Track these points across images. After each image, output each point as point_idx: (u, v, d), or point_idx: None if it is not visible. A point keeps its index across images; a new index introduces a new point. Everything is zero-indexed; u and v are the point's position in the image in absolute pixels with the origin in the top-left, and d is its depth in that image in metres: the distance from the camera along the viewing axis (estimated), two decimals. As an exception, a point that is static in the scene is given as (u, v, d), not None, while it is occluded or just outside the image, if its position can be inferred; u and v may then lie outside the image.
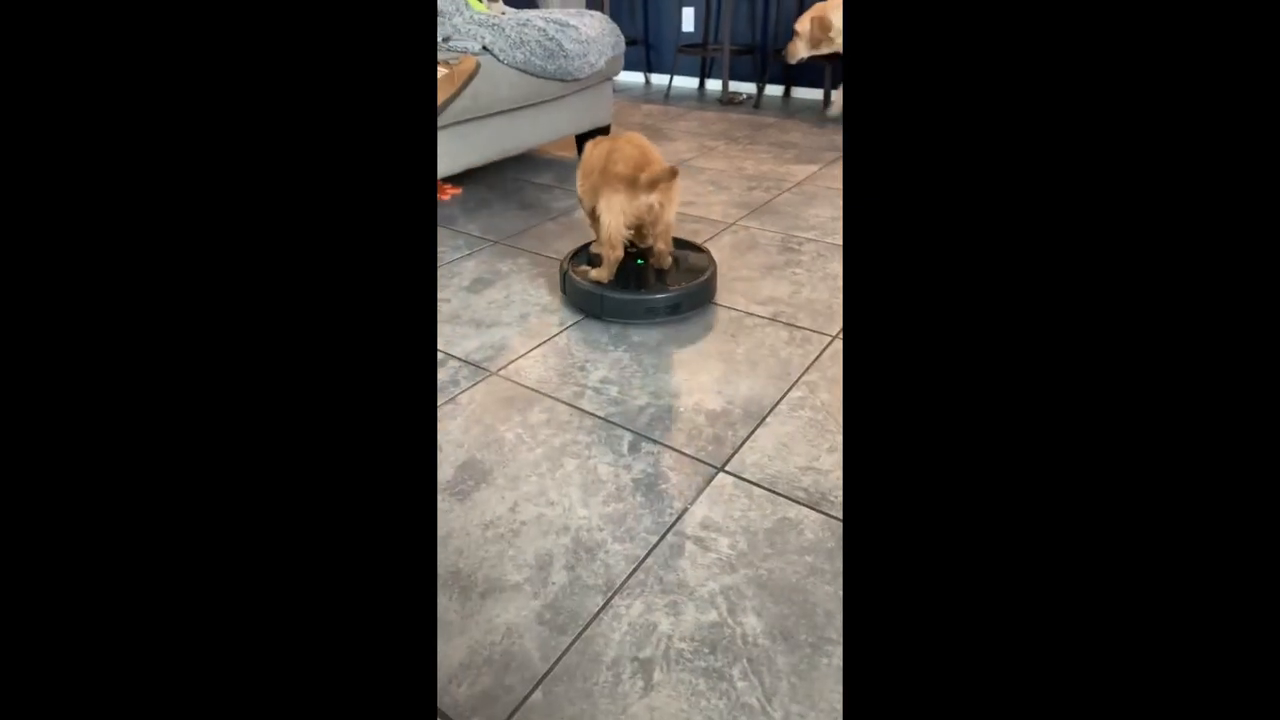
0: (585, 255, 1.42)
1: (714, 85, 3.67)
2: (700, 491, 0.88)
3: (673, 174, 1.23)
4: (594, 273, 1.31)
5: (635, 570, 0.77)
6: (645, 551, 0.79)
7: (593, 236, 1.42)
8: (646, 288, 1.29)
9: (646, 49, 3.83)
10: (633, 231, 1.27)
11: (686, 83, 3.75)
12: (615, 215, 1.23)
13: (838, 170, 2.25)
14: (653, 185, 1.22)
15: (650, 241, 1.33)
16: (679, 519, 0.84)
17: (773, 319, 1.31)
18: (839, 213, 1.87)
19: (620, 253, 1.28)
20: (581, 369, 1.16)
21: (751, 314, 1.34)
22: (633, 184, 1.22)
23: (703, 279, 1.31)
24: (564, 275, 1.36)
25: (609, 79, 2.23)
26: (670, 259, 1.36)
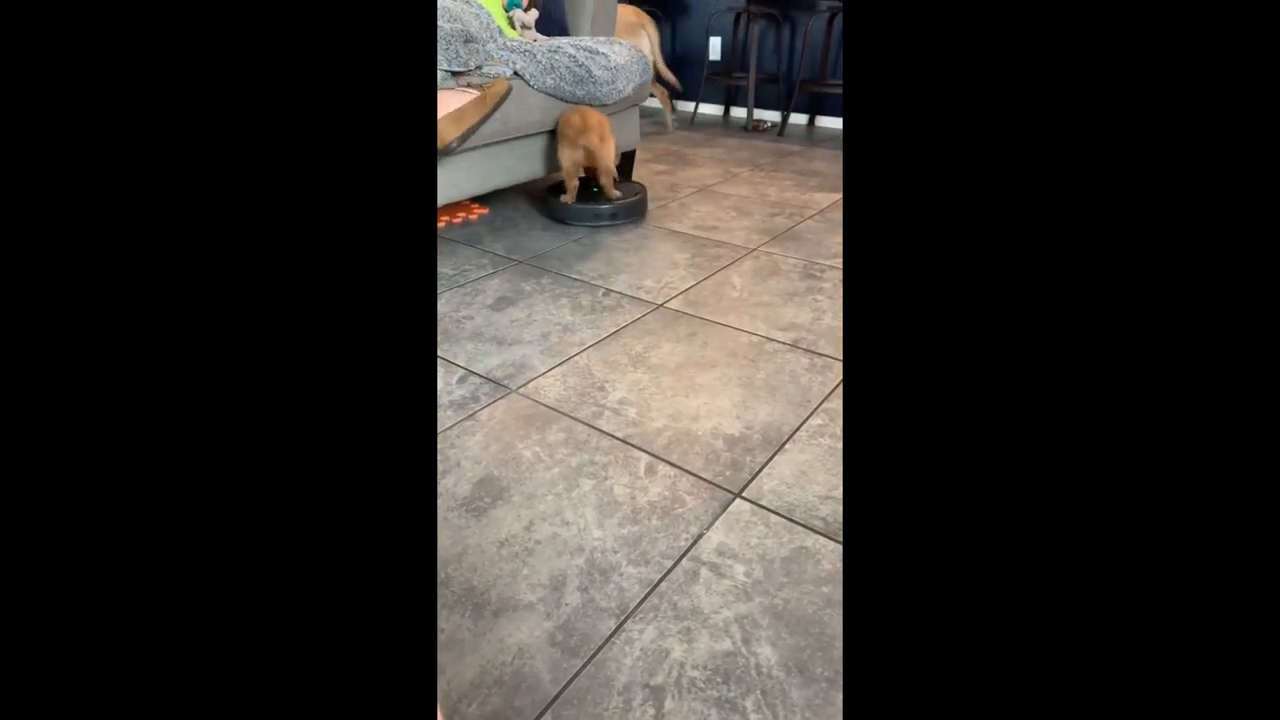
0: (561, 189, 2.08)
1: (739, 112, 3.71)
2: (716, 517, 0.88)
3: (599, 137, 1.91)
4: (563, 197, 2.02)
5: (649, 594, 0.76)
6: (660, 576, 0.78)
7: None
8: (594, 203, 2.00)
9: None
10: (579, 169, 1.97)
11: (712, 109, 3.80)
12: (565, 159, 1.94)
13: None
14: (573, 142, 1.91)
15: (598, 176, 2.01)
16: (694, 544, 0.83)
17: (793, 345, 1.31)
18: (862, 241, 1.87)
19: (575, 182, 1.99)
20: (600, 389, 1.16)
21: (772, 339, 1.33)
22: (573, 140, 1.91)
23: (632, 200, 2.03)
24: (545, 200, 2.10)
25: (636, 105, 2.26)
26: (615, 190, 2.03)
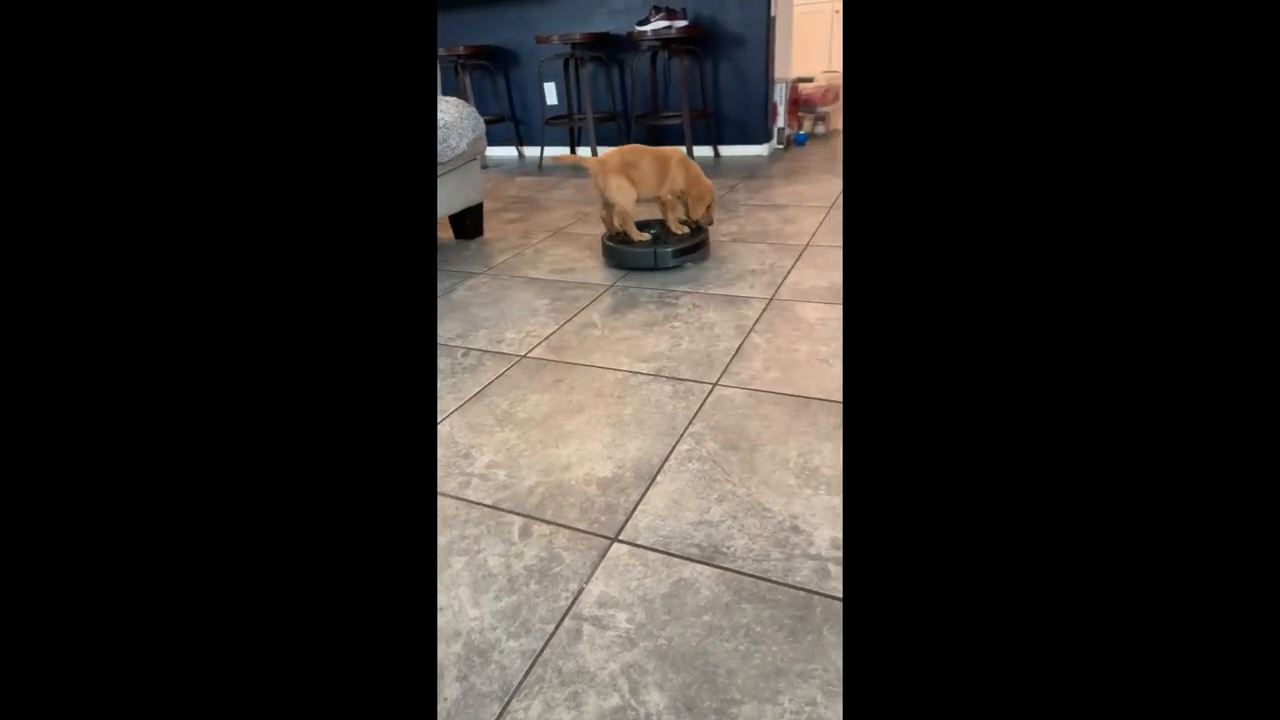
0: (620, 236, 2.01)
1: (584, 152, 3.80)
2: (595, 567, 0.87)
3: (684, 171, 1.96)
4: (637, 237, 1.97)
5: (532, 666, 0.73)
6: (541, 644, 0.76)
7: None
8: (660, 244, 1.95)
9: (515, 124, 3.94)
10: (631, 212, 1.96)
11: (558, 152, 3.87)
12: (624, 197, 1.91)
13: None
14: (649, 183, 1.93)
15: (685, 212, 2.01)
16: (575, 601, 0.81)
17: (656, 375, 1.34)
18: (710, 263, 1.96)
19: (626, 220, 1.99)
20: (466, 456, 1.13)
21: (636, 372, 1.36)
22: (651, 182, 1.93)
23: (695, 241, 1.95)
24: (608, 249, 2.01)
25: (474, 159, 2.26)
26: (683, 229, 2.01)
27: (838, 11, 4.79)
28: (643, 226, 2.04)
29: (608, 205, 1.97)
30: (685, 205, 1.98)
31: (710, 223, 2.02)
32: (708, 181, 1.97)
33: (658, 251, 1.91)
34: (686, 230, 2.00)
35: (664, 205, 1.99)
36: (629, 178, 1.88)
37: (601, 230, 2.14)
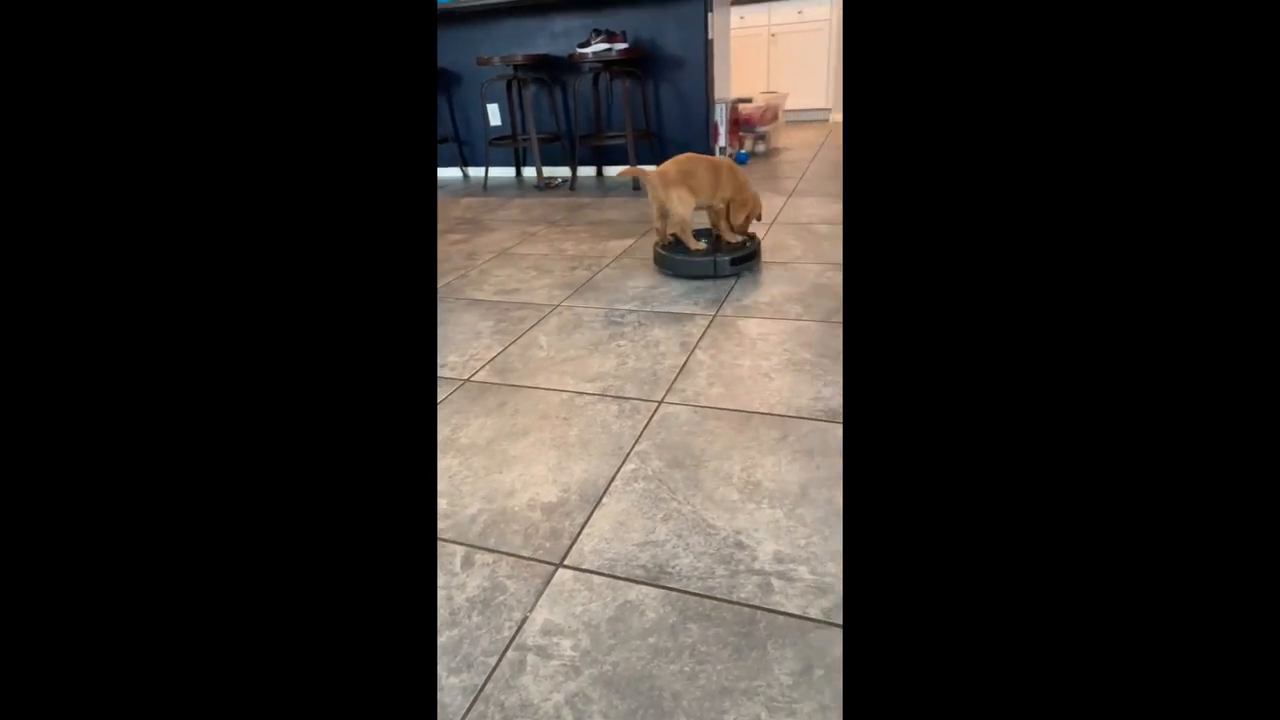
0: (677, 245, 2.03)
1: (531, 172, 3.80)
2: (540, 594, 0.85)
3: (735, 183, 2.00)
4: (695, 245, 1.99)
5: (474, 703, 0.71)
6: (484, 678, 0.74)
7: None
8: (718, 253, 1.96)
9: (460, 144, 3.91)
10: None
11: (503, 173, 3.85)
12: (682, 206, 1.93)
13: (651, 240, 2.39)
14: (705, 191, 1.96)
15: (733, 222, 2.01)
16: (518, 631, 0.80)
17: (602, 395, 1.34)
18: (655, 281, 1.98)
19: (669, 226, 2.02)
20: (407, 487, 1.09)
21: (582, 393, 1.35)
22: (707, 190, 1.96)
23: (747, 250, 1.97)
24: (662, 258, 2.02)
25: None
26: (736, 237, 2.02)
27: (774, 35, 4.95)
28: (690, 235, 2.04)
29: (663, 215, 1.98)
30: (728, 211, 1.99)
31: (745, 230, 2.05)
32: (754, 190, 2.01)
33: (717, 260, 1.92)
34: (739, 239, 2.01)
35: (716, 214, 2.00)
36: (688, 187, 1.91)
37: (550, 249, 2.13)
